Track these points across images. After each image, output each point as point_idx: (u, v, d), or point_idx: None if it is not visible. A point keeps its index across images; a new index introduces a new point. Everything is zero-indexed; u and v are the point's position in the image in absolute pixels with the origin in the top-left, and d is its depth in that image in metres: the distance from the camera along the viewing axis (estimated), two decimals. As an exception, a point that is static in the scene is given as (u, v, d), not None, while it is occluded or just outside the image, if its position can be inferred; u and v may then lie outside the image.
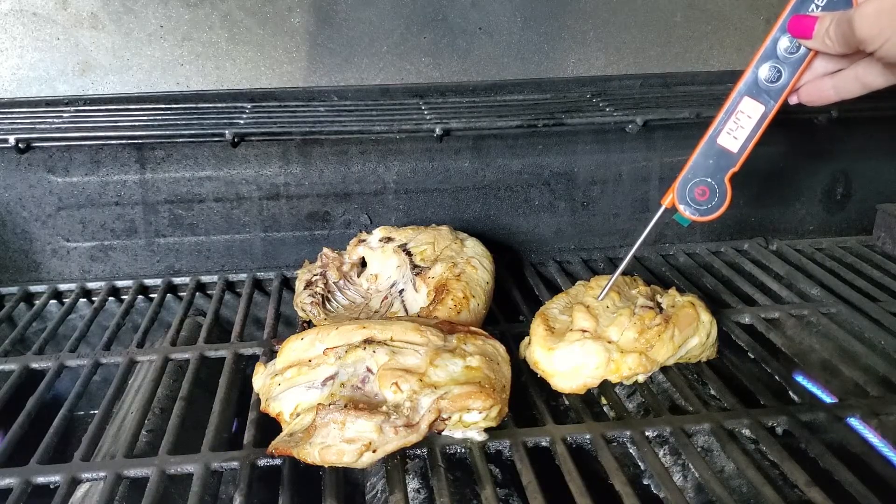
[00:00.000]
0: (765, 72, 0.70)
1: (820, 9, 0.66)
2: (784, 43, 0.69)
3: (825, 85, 0.71)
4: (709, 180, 0.73)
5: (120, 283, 1.10)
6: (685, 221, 0.75)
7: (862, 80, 0.68)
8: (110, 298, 1.09)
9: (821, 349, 0.90)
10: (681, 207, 0.74)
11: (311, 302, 0.93)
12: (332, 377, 0.70)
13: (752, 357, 0.88)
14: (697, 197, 0.74)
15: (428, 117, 1.06)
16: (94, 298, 1.09)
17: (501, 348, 0.74)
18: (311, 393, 0.70)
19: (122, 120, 1.05)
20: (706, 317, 0.83)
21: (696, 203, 0.74)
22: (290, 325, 1.05)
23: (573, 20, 1.17)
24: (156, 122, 1.04)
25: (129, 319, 1.03)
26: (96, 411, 0.79)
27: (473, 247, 0.98)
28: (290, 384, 0.71)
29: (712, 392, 0.81)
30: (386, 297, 0.95)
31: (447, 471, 0.68)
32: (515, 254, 1.19)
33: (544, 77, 1.19)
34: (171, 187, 1.12)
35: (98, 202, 1.11)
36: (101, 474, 0.70)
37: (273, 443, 0.68)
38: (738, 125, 0.72)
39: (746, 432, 0.74)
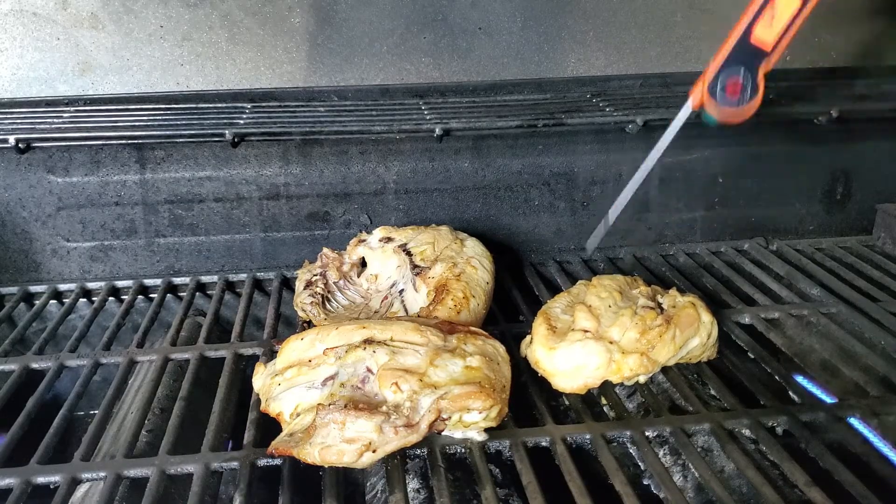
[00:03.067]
0: None
1: None
2: None
3: None
4: (742, 71, 0.69)
5: (120, 283, 1.10)
6: (713, 121, 0.72)
7: None
8: (110, 298, 1.09)
9: (821, 349, 0.90)
10: (711, 101, 0.71)
11: (311, 302, 0.93)
12: (332, 377, 0.70)
13: (752, 357, 0.88)
14: (728, 93, 0.70)
15: (428, 117, 1.06)
16: (94, 298, 1.09)
17: (501, 348, 0.74)
18: (311, 393, 0.69)
19: (122, 120, 1.05)
20: (707, 317, 0.83)
21: (726, 99, 0.71)
22: (290, 325, 1.05)
23: (573, 20, 1.17)
24: (156, 122, 1.04)
25: (129, 319, 1.04)
26: (96, 411, 0.79)
27: (473, 247, 0.98)
28: (290, 384, 0.71)
29: (712, 392, 0.81)
30: (386, 297, 0.95)
31: (447, 471, 0.68)
32: (515, 254, 1.19)
33: (544, 77, 1.19)
34: (171, 187, 1.12)
35: (98, 202, 1.11)
36: (101, 474, 0.70)
37: (273, 443, 0.68)
38: (774, 17, 0.68)
39: (746, 432, 0.74)
